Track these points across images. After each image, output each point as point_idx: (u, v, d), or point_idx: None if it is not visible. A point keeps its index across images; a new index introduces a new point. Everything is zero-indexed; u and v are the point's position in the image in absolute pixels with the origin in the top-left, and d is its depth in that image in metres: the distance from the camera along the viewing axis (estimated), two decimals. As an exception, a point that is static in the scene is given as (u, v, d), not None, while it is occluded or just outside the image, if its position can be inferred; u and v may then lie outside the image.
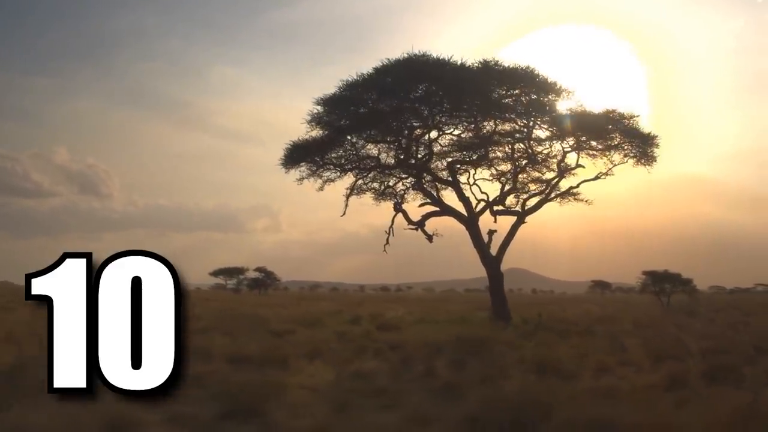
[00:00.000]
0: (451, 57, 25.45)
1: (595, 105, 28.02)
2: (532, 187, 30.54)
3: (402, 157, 28.36)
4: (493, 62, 25.59)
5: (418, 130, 28.05)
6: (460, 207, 28.54)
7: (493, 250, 28.38)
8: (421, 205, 29.30)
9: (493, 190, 30.31)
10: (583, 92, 27.63)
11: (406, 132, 27.79)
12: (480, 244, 27.68)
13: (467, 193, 28.85)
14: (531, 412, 8.14)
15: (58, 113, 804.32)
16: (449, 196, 29.88)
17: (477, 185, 29.55)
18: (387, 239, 29.81)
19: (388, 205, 30.77)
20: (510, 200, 30.07)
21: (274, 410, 8.82)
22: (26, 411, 7.58)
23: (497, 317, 25.83)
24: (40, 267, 4.09)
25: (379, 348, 15.62)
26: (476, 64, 25.61)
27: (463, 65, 25.44)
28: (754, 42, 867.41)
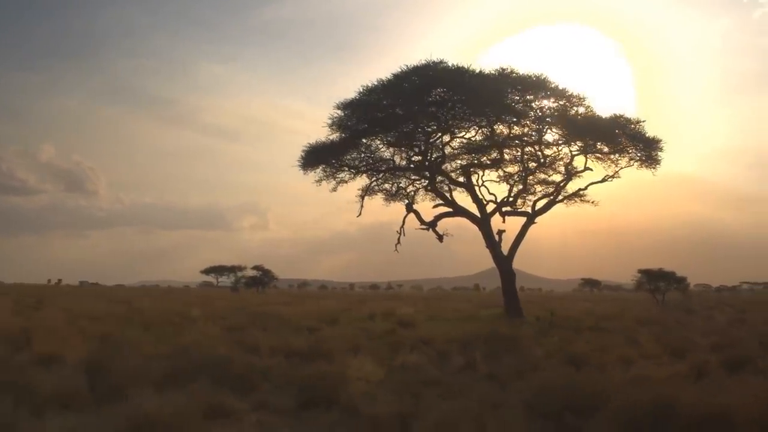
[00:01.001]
0: (470, 65, 26.61)
1: (603, 110, 29.10)
2: (539, 188, 31.55)
3: (419, 159, 29.27)
4: (508, 70, 26.61)
5: (435, 134, 28.92)
6: (472, 208, 29.47)
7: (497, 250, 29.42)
8: (435, 206, 30.20)
9: (501, 191, 31.38)
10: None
11: (422, 135, 28.66)
12: (493, 244, 28.61)
13: (478, 195, 29.79)
14: (585, 398, 9.00)
15: (44, 110, 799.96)
16: (459, 197, 30.88)
17: (485, 186, 30.60)
18: (398, 239, 30.71)
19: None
20: (518, 201, 31.04)
21: (347, 399, 9.58)
22: (138, 401, 8.31)
23: (510, 314, 26.64)
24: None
25: (413, 343, 16.36)
26: (492, 72, 26.57)
27: (481, 73, 26.38)
28: (740, 41, 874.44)
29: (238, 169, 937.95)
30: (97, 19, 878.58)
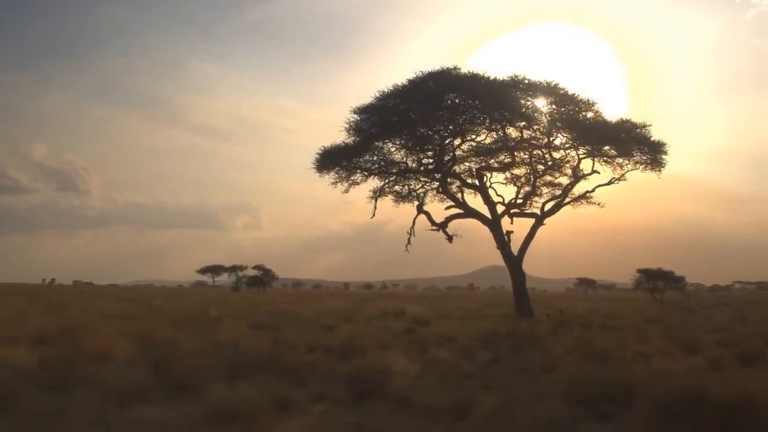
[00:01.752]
0: (485, 72, 27.59)
1: (611, 114, 30.06)
2: (546, 190, 32.39)
3: (431, 161, 30.08)
4: (521, 77, 27.72)
5: (448, 137, 29.88)
6: (482, 209, 30.36)
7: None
8: (447, 208, 31.04)
9: (508, 193, 32.23)
10: (580, 96, 29.62)
11: (437, 138, 29.59)
12: (503, 245, 29.38)
13: (492, 197, 30.73)
14: (618, 388, 9.74)
15: (35, 109, 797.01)
16: (467, 198, 31.76)
17: (493, 188, 31.46)
18: (408, 239, 31.49)
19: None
20: (526, 203, 31.87)
21: (395, 391, 10.25)
22: (215, 393, 8.96)
23: (522, 314, 27.40)
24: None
25: (437, 340, 17.05)
26: (505, 79, 27.64)
27: (495, 79, 27.48)
28: (733, 42, 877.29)
29: (231, 169, 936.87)
30: (88, 18, 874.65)
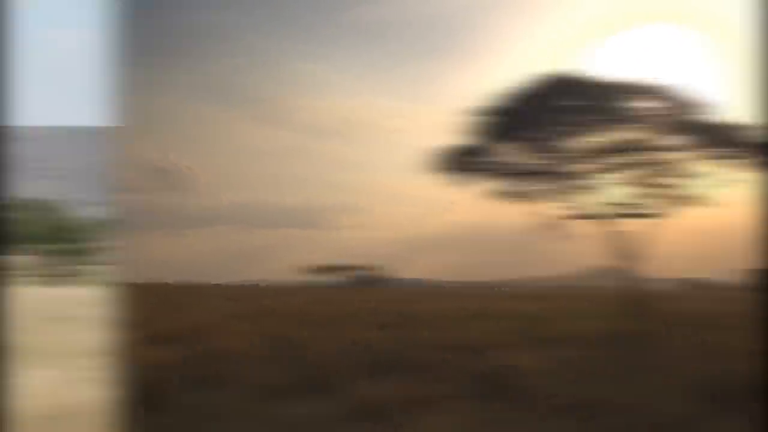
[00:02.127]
0: (600, 74, 28.79)
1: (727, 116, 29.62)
2: (659, 191, 32.08)
3: (547, 162, 30.55)
4: (637, 78, 28.95)
5: (565, 140, 30.57)
6: (598, 210, 31.11)
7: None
8: (563, 209, 31.78)
9: (620, 194, 32.22)
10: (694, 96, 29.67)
11: (553, 140, 30.47)
12: (616, 245, 30.25)
13: (604, 198, 31.43)
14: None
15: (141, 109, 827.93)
16: (582, 200, 31.89)
17: (608, 189, 31.71)
18: (524, 240, 32.15)
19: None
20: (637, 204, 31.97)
21: (529, 389, 10.06)
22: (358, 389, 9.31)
23: (634, 313, 27.44)
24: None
25: (561, 338, 16.72)
26: (622, 81, 28.84)
27: (611, 81, 28.71)
28: None
29: (335, 167, 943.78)
30: (191, 18, 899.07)
